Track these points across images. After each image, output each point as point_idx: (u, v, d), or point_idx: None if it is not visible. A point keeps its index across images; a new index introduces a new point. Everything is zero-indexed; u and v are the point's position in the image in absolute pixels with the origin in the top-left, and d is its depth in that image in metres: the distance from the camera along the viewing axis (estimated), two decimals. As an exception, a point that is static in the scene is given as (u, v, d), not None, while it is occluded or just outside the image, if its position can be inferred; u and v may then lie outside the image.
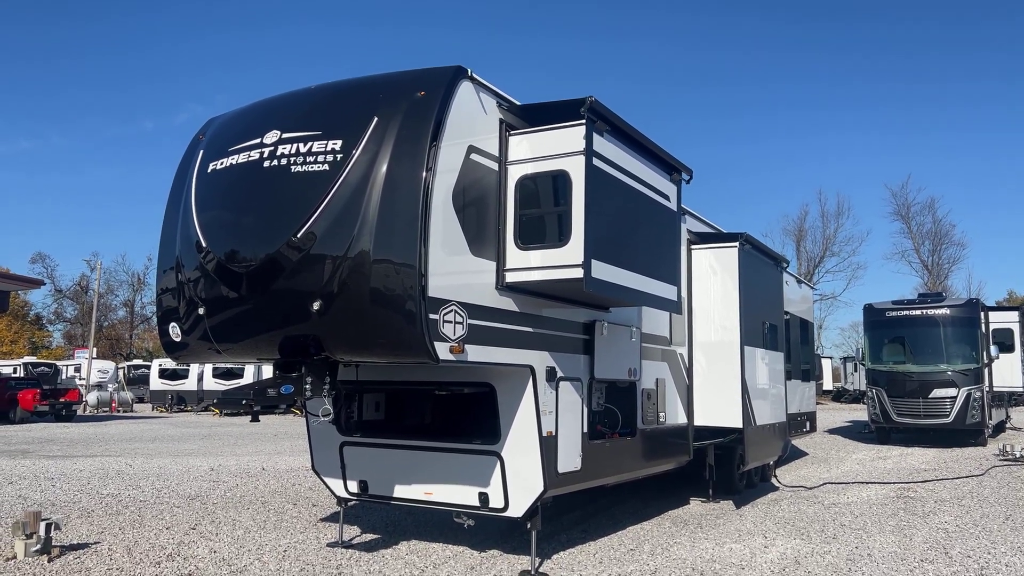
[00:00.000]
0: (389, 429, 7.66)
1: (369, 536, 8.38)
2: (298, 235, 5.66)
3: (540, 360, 6.68)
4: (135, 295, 77.92)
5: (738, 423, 9.67)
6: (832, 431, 24.92)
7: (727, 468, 10.98)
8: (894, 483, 12.95)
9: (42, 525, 7.34)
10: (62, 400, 30.34)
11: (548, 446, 6.68)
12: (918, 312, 19.54)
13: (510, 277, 6.25)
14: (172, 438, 21.91)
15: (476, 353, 5.91)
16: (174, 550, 7.63)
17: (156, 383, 40.04)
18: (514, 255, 6.23)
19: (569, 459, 7.00)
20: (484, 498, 6.91)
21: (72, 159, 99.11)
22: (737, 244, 9.84)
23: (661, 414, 8.92)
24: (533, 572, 6.76)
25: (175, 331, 6.52)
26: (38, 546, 7.29)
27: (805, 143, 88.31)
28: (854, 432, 24.55)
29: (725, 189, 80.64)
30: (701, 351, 9.87)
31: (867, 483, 12.95)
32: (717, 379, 9.71)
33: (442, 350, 5.58)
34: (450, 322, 5.67)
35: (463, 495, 7.03)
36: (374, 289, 5.49)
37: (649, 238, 7.40)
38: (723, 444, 10.43)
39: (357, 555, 7.47)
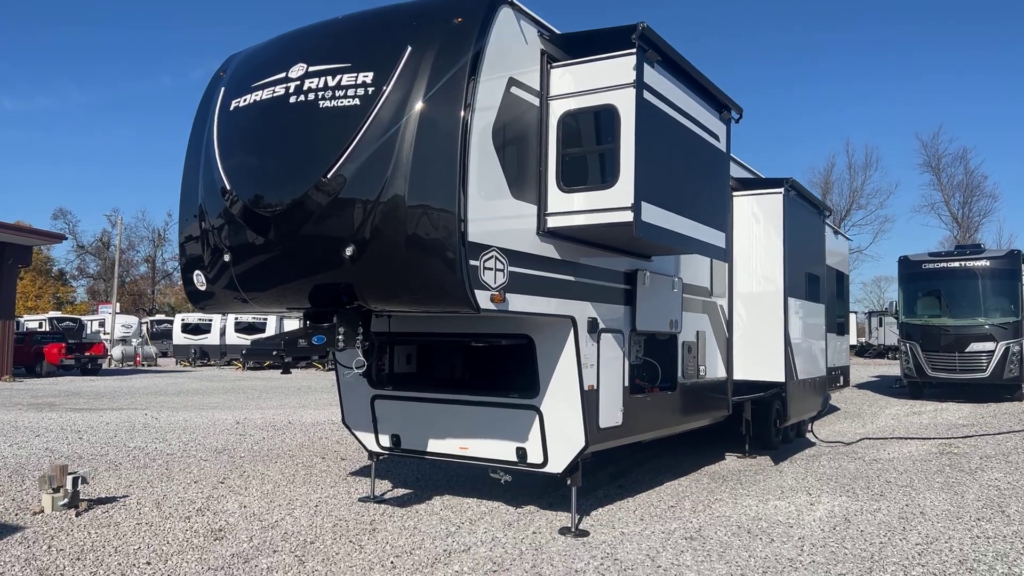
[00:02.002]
0: (421, 382, 7.38)
1: (401, 491, 8.18)
2: (327, 176, 5.28)
3: (581, 311, 6.33)
4: (156, 251, 78.40)
5: (780, 377, 9.32)
6: (861, 386, 24.56)
7: (763, 423, 10.66)
8: (934, 439, 12.60)
9: (69, 479, 7.17)
10: (87, 354, 30.53)
11: (590, 400, 6.37)
12: (956, 264, 18.95)
13: (552, 222, 5.86)
14: (196, 392, 21.95)
15: (517, 302, 5.57)
16: (203, 504, 7.46)
17: (179, 337, 40.26)
18: (556, 198, 5.83)
19: (610, 414, 6.69)
20: (522, 453, 6.64)
21: (91, 116, 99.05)
22: (782, 190, 9.37)
23: (701, 367, 8.58)
24: (573, 529, 6.51)
25: (200, 280, 6.22)
26: (65, 500, 7.14)
27: (832, 92, 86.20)
28: (883, 387, 24.18)
29: (748, 139, 79.12)
30: (741, 303, 9.48)
31: (906, 439, 12.61)
32: (758, 332, 9.34)
33: (483, 299, 5.24)
34: (491, 269, 5.32)
35: (500, 450, 6.77)
36: (410, 235, 5.14)
37: (699, 180, 6.97)
38: (761, 399, 10.10)
39: (390, 510, 7.26)
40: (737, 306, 9.46)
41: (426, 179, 5.15)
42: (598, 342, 6.47)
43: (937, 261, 19.40)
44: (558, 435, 6.43)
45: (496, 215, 5.42)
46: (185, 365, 38.88)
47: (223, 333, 38.25)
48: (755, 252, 9.41)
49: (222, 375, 31.19)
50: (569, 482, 6.56)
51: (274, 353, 5.35)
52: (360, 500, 7.67)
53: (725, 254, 7.54)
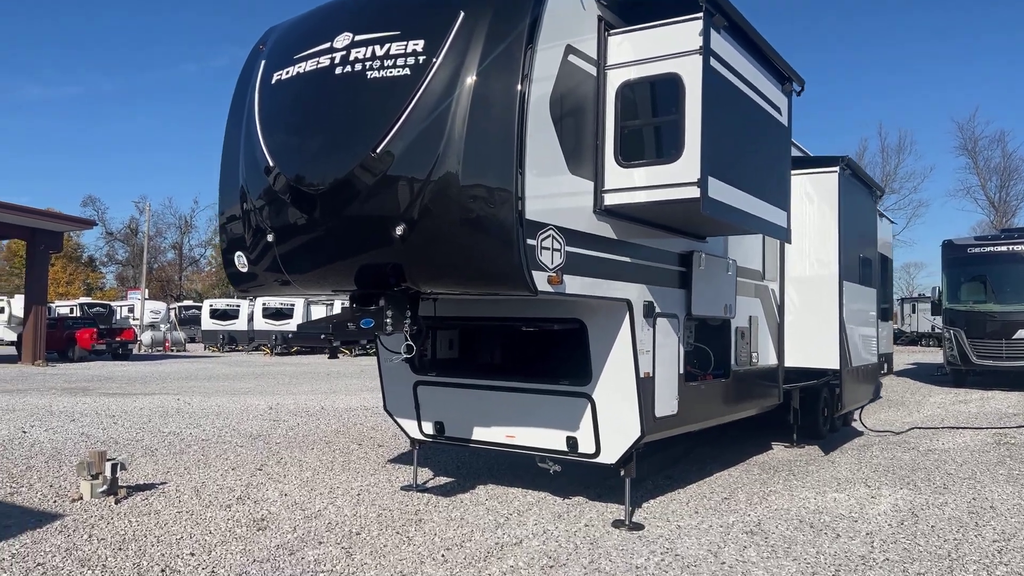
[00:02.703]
0: (466, 368, 7.11)
1: (443, 479, 7.95)
2: (376, 152, 5.00)
3: (638, 294, 6.02)
4: (183, 237, 79.05)
5: (835, 364, 8.95)
6: (899, 373, 24.00)
7: (812, 412, 10.29)
8: (987, 428, 12.16)
9: (108, 465, 7.02)
10: (118, 339, 30.74)
11: (645, 388, 6.07)
12: (1003, 248, 18.34)
13: (609, 199, 5.54)
14: (227, 377, 21.94)
15: (573, 285, 5.27)
16: (243, 492, 7.28)
17: (207, 323, 40.46)
18: (614, 174, 5.51)
19: (666, 402, 6.39)
20: (573, 443, 6.37)
21: (118, 104, 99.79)
22: (837, 169, 8.96)
23: (754, 354, 8.24)
24: (627, 522, 6.23)
25: (241, 261, 5.99)
26: (104, 487, 6.99)
27: (865, 73, 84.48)
28: (922, 374, 23.62)
29: (777, 125, 77.64)
30: (794, 287, 9.11)
31: (958, 428, 12.18)
32: (812, 317, 8.96)
33: (540, 280, 4.94)
34: (548, 249, 5.02)
35: (549, 439, 6.50)
36: (464, 213, 4.85)
37: (762, 156, 6.61)
38: (809, 387, 9.73)
39: (434, 500, 7.03)
40: (789, 290, 9.09)
41: (481, 155, 4.85)
42: (654, 327, 6.17)
43: (983, 245, 18.80)
44: (611, 424, 6.14)
45: (553, 192, 5.12)
46: (213, 350, 39.07)
47: (251, 319, 38.37)
48: (808, 234, 9.02)
49: (251, 360, 31.25)
50: (623, 473, 6.28)
51: (322, 336, 5.10)
52: (402, 489, 7.44)
53: (788, 234, 7.17)
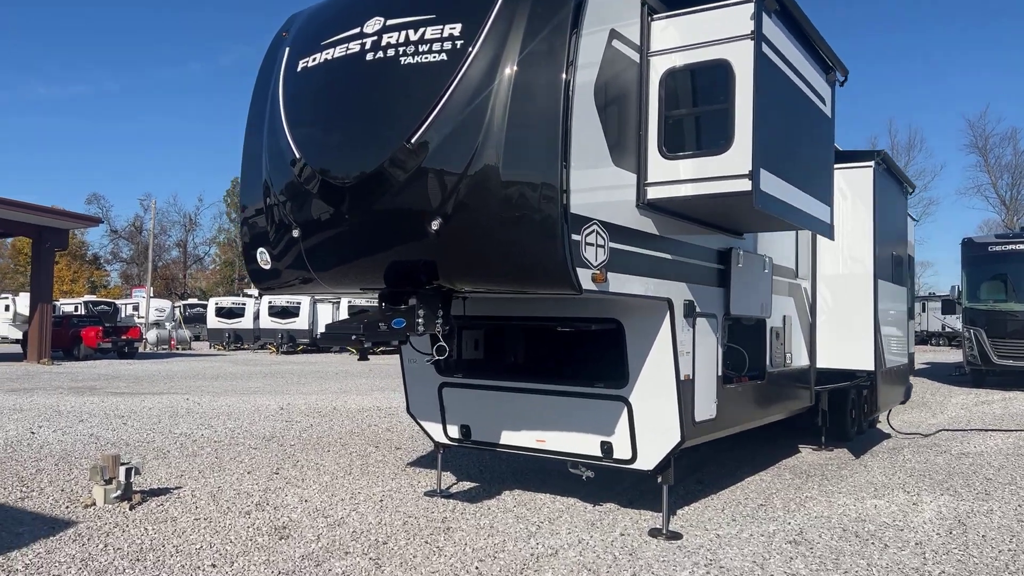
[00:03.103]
0: (495, 369, 6.84)
1: (467, 484, 7.68)
2: (410, 142, 4.72)
3: (679, 292, 5.75)
4: (187, 235, 78.94)
5: (869, 365, 8.68)
6: (916, 373, 23.68)
7: (840, 414, 10.01)
8: (1017, 431, 11.87)
9: (122, 470, 6.77)
10: (123, 337, 30.53)
11: (685, 391, 5.80)
12: (1028, 247, 18.03)
13: (652, 192, 5.26)
14: (234, 376, 21.71)
15: (617, 283, 5.00)
16: (261, 498, 7.02)
17: (213, 321, 40.23)
18: (658, 166, 5.24)
19: (705, 406, 6.13)
20: (607, 448, 6.11)
21: (123, 103, 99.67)
22: (872, 164, 8.69)
23: (788, 355, 7.97)
24: (664, 531, 5.97)
25: (264, 258, 5.72)
26: (118, 492, 6.73)
27: (874, 71, 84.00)
28: (939, 374, 23.32)
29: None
30: (826, 285, 8.83)
31: (987, 430, 11.89)
32: (845, 316, 8.68)
33: (584, 278, 4.67)
34: (592, 245, 4.75)
35: (582, 444, 6.24)
36: (504, 208, 4.58)
37: (808, 148, 6.33)
38: (837, 389, 9.44)
39: (460, 506, 6.77)
40: (821, 289, 8.80)
41: (523, 145, 4.58)
42: (693, 327, 5.91)
43: (1005, 243, 18.49)
44: (649, 429, 5.88)
45: (597, 185, 4.85)
46: (219, 349, 38.87)
47: (256, 317, 38.15)
48: (842, 230, 8.72)
49: (257, 359, 31.05)
50: (660, 480, 6.01)
51: (353, 338, 4.85)
52: (426, 494, 7.18)
53: (831, 231, 6.90)
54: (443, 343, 5.28)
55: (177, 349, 38.99)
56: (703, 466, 8.67)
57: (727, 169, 5.03)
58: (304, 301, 37.16)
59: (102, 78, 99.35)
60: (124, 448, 9.52)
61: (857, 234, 8.66)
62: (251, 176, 5.90)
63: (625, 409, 5.94)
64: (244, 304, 39.52)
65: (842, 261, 8.79)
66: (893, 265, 9.73)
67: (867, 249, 8.62)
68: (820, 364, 8.78)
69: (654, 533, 6.01)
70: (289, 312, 36.98)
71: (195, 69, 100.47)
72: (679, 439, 5.77)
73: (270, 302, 37.73)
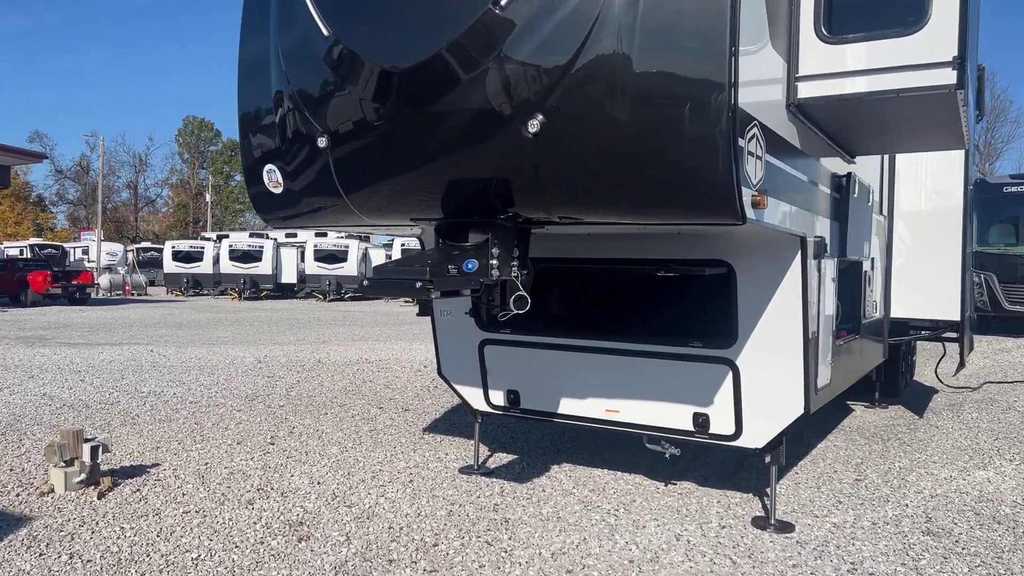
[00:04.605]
0: (551, 324, 5.54)
1: (503, 456, 6.49)
2: (501, 4, 3.34)
3: (811, 227, 4.54)
4: (137, 176, 75.60)
5: (954, 315, 7.61)
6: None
7: (893, 368, 9.02)
8: (1064, 383, 11.08)
9: (86, 448, 5.42)
10: (74, 283, 28.49)
11: (811, 351, 4.62)
12: (1037, 189, 17.21)
13: (806, 89, 3.94)
14: (199, 324, 20.13)
15: (772, 211, 3.75)
16: (262, 479, 5.74)
17: (170, 266, 38.06)
18: (816, 52, 3.91)
19: (824, 368, 4.99)
20: (702, 421, 4.94)
21: (65, 36, 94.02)
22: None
23: (876, 303, 6.85)
24: (773, 521, 4.86)
25: (273, 178, 4.32)
26: (82, 476, 5.41)
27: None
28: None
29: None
30: (904, 223, 7.68)
31: (1033, 382, 11.09)
32: (929, 259, 7.55)
33: (746, 202, 3.40)
34: (752, 155, 3.48)
35: (668, 415, 5.06)
36: (642, 104, 3.26)
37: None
38: (908, 341, 8.41)
39: (508, 488, 5.58)
40: (899, 227, 7.66)
41: (672, 17, 3.23)
42: (819, 271, 4.70)
43: (1020, 184, 17.65)
44: (761, 398, 4.71)
45: (757, 75, 3.54)
46: (177, 294, 36.88)
47: (217, 261, 36.16)
48: (924, 160, 7.56)
49: (219, 305, 29.36)
50: (768, 460, 4.88)
51: (418, 285, 3.53)
52: (461, 472, 5.98)
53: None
54: (523, 293, 3.98)
55: (132, 295, 36.93)
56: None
57: (919, 55, 3.72)
58: (268, 245, 35.38)
59: (43, 10, 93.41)
60: (83, 411, 8.13)
61: (944, 164, 7.49)
62: (253, 84, 4.43)
63: (729, 374, 4.76)
64: (203, 248, 37.45)
65: (924, 195, 7.63)
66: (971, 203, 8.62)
67: (957, 181, 7.47)
68: (895, 314, 7.69)
69: (759, 524, 4.90)
70: (251, 256, 35.17)
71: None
72: (802, 411, 4.62)
73: (231, 246, 35.83)
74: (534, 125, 3.33)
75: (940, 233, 7.51)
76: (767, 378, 4.67)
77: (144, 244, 56.95)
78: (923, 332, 8.07)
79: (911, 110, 4.10)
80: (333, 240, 36.16)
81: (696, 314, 4.98)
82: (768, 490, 5.65)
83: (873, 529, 4.91)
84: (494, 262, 3.83)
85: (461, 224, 3.89)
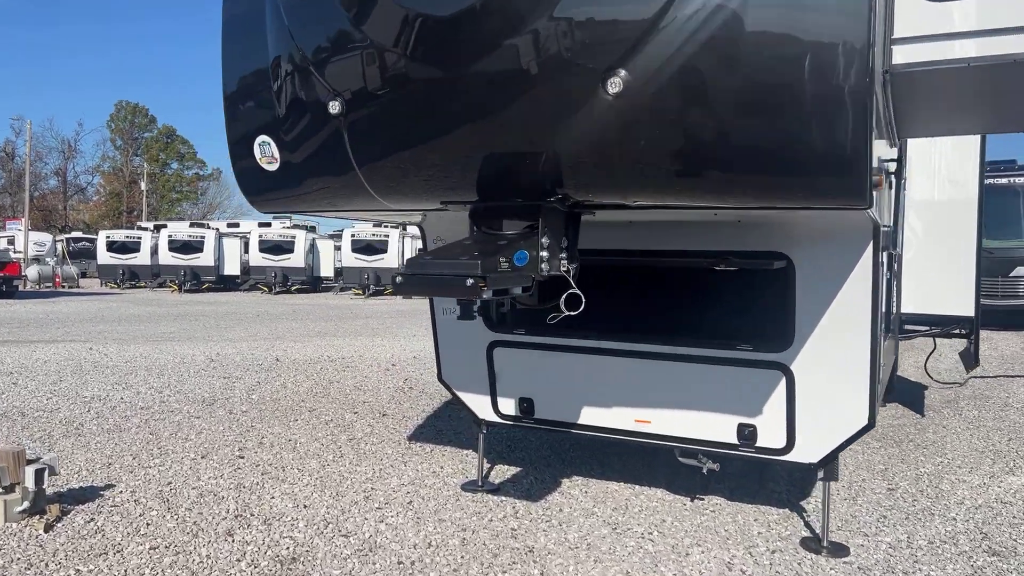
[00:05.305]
0: (571, 324, 4.91)
1: (505, 470, 5.87)
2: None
3: (882, 214, 4.02)
4: (66, 163, 72.30)
5: (968, 310, 7.28)
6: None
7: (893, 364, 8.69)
8: (1045, 376, 11.01)
9: (29, 472, 4.62)
10: (1, 275, 26.74)
11: (876, 355, 4.12)
12: (1003, 181, 17.28)
13: (902, 54, 3.40)
14: (140, 318, 18.94)
15: (877, 195, 3.20)
16: (237, 502, 5.02)
17: (104, 257, 36.18)
18: (917, 11, 3.37)
19: (884, 372, 4.50)
20: (748, 433, 4.41)
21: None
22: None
23: (895, 296, 6.44)
24: (825, 543, 4.37)
25: (268, 152, 3.59)
26: (25, 504, 4.61)
27: None
28: (890, 313, 22.92)
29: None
30: (916, 213, 7.31)
31: (1013, 376, 10.98)
32: (940, 252, 7.20)
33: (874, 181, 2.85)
34: (873, 129, 2.91)
35: (708, 427, 4.52)
36: (760, 66, 2.67)
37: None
38: (916, 337, 8.07)
39: (523, 509, 4.97)
40: (910, 217, 7.28)
41: None
42: (887, 263, 4.21)
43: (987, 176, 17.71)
44: (818, 408, 4.21)
45: (877, 34, 2.96)
46: (112, 287, 35.12)
47: (155, 252, 34.50)
48: (937, 146, 7.19)
49: (158, 298, 27.99)
50: (821, 476, 4.37)
51: (468, 283, 2.86)
52: (464, 489, 5.35)
53: None
54: (576, 291, 3.36)
55: (63, 287, 35.07)
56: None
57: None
58: (209, 235, 33.92)
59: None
60: (18, 420, 7.23)
61: (958, 152, 7.13)
62: (243, 42, 3.69)
63: (782, 381, 4.24)
64: (140, 238, 35.74)
65: (937, 184, 7.27)
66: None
67: (972, 170, 7.12)
68: (905, 308, 7.32)
69: (810, 546, 4.41)
70: (192, 247, 33.63)
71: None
72: (865, 422, 4.12)
73: (170, 236, 34.24)
74: (615, 84, 2.71)
75: (954, 224, 7.16)
76: (826, 385, 4.17)
77: (75, 234, 54.35)
78: (932, 328, 7.72)
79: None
80: (279, 230, 34.94)
81: (745, 313, 4.43)
82: (804, 503, 5.21)
83: (932, 549, 4.46)
84: (544, 254, 3.20)
85: (503, 208, 3.25)
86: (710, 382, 4.46)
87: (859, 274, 3.95)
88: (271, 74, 3.48)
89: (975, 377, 10.82)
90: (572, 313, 3.41)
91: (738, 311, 4.43)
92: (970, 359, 8.07)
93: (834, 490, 5.51)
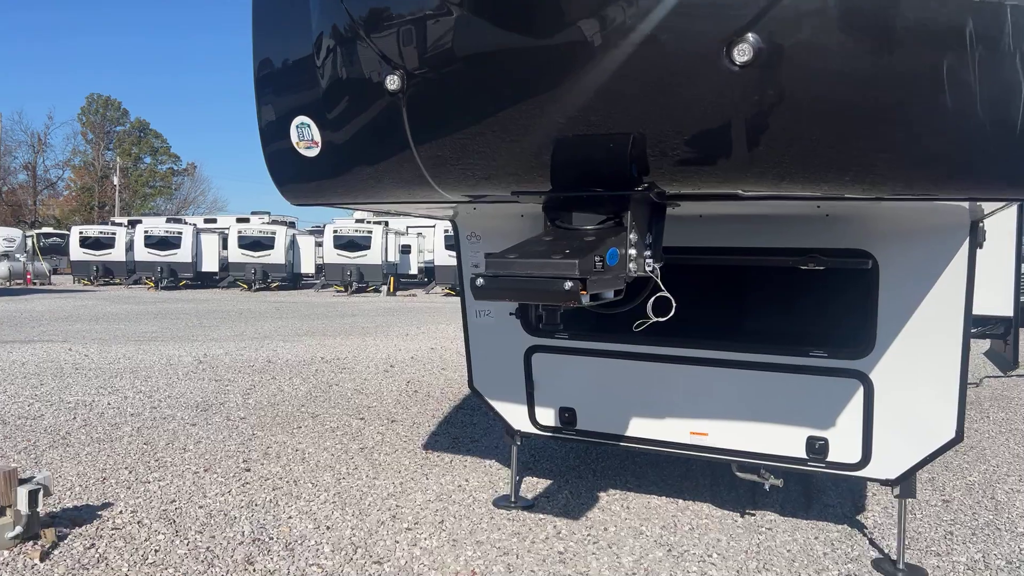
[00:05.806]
0: (617, 327, 4.53)
1: (535, 482, 5.48)
2: None
3: (978, 208, 3.68)
4: (36, 157, 70.64)
5: (1006, 310, 7.00)
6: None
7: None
8: (1059, 377, 10.81)
9: (22, 493, 4.14)
10: (-31, 271, 25.83)
11: (966, 360, 3.78)
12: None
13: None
14: (118, 317, 18.27)
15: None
16: (251, 523, 4.57)
17: (77, 253, 35.21)
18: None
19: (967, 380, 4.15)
20: (819, 447, 4.05)
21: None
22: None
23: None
24: (902, 565, 4.02)
25: (308, 136, 3.14)
26: (18, 529, 4.14)
27: None
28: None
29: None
30: (951, 210, 6.98)
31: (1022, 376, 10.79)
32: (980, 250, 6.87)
33: None
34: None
35: (774, 440, 4.15)
36: (926, 33, 2.28)
37: None
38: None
39: (566, 529, 4.58)
40: (945, 214, 6.95)
41: None
42: (977, 260, 3.86)
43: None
44: (900, 420, 3.86)
45: None
46: (85, 284, 34.20)
47: (130, 248, 33.62)
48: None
49: (135, 296, 27.21)
50: (897, 492, 4.03)
51: (567, 287, 2.45)
52: (496, 505, 4.94)
53: None
54: (667, 294, 2.98)
55: (35, 284, 34.08)
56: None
57: None
58: (187, 231, 33.14)
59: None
60: (1, 428, 6.70)
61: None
62: (277, 16, 3.24)
63: (860, 390, 3.89)
64: (114, 234, 34.83)
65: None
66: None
67: (1012, 165, 6.82)
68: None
69: (884, 568, 4.07)
70: (168, 243, 32.79)
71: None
72: (953, 435, 3.78)
73: (147, 232, 33.38)
74: (744, 52, 2.31)
75: (992, 221, 6.83)
76: (910, 395, 3.82)
77: (46, 229, 53.02)
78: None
79: None
80: (258, 226, 34.19)
81: (820, 316, 4.08)
82: (862, 518, 4.87)
83: (1012, 570, 4.14)
84: (632, 252, 2.81)
85: (586, 200, 2.85)
86: (777, 391, 4.09)
87: (953, 273, 3.61)
88: (314, 48, 3.04)
89: (988, 376, 10.63)
90: (661, 319, 3.02)
91: (811, 314, 4.07)
92: (1004, 359, 7.79)
93: (884, 500, 5.21)
